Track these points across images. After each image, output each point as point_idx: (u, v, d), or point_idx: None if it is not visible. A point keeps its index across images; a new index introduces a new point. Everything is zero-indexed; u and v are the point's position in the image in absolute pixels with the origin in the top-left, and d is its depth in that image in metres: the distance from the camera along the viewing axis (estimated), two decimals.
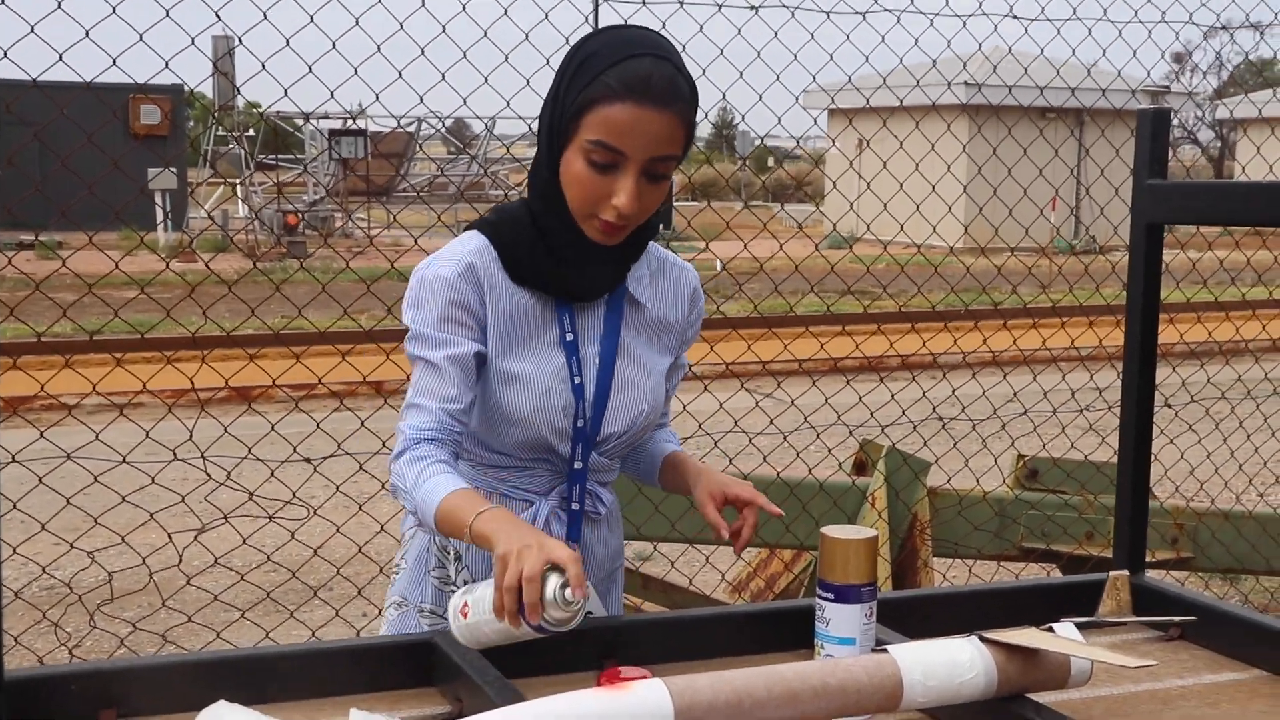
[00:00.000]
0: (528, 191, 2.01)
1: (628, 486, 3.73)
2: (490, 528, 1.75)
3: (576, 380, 1.97)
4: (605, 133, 1.84)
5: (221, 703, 1.71)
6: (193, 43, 3.28)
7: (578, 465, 2.01)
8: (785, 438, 4.58)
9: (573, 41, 1.95)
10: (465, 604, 1.80)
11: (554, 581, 1.68)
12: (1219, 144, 35.76)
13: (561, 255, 1.95)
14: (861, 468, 4.27)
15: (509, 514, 1.80)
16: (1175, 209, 2.20)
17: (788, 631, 2.02)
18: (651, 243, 2.09)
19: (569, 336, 1.98)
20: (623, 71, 1.83)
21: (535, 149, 1.99)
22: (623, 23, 1.98)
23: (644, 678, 1.62)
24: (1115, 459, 4.36)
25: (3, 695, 0.59)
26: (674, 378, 2.16)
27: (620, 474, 2.19)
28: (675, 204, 21.98)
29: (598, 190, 1.88)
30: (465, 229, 2.03)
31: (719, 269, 4.94)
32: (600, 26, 1.97)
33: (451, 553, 2.06)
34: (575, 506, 2.05)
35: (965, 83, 5.70)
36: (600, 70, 1.84)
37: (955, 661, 1.65)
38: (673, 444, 2.21)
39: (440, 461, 1.89)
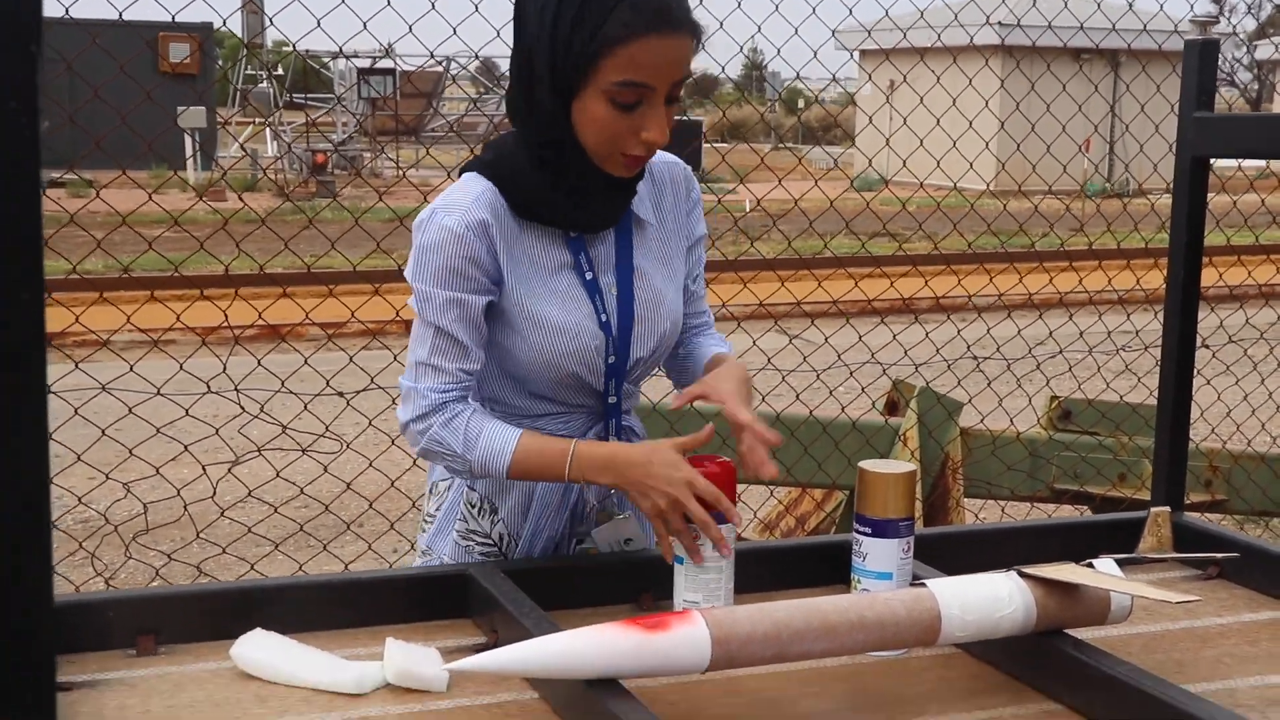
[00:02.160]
0: (517, 131, 1.90)
1: (659, 424, 3.73)
2: (599, 476, 1.82)
3: (603, 318, 1.92)
4: (633, 72, 1.75)
5: (258, 630, 1.72)
6: None
7: (612, 400, 1.98)
8: (818, 376, 4.56)
9: None
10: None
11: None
12: (1257, 86, 35.26)
13: (578, 190, 1.87)
14: (894, 407, 4.25)
15: (600, 448, 1.83)
16: (1222, 142, 2.16)
17: (823, 567, 2.02)
18: None
19: (588, 274, 1.91)
20: (636, 3, 1.74)
21: (515, 84, 1.87)
22: None
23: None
24: (1150, 400, 4.34)
25: (52, 619, 0.59)
26: (695, 270, 2.08)
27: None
28: (705, 145, 21.85)
29: (624, 128, 1.79)
30: (462, 171, 1.94)
31: (748, 209, 4.90)
32: None
33: (485, 505, 2.00)
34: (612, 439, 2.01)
35: (1000, 22, 5.62)
36: (611, 6, 1.74)
37: (994, 596, 1.64)
38: (719, 347, 2.10)
39: (479, 414, 1.87)
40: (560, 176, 1.86)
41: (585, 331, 1.90)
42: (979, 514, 4.93)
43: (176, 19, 3.36)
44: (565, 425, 1.97)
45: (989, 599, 1.63)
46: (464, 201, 1.85)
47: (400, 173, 4.28)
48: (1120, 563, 1.73)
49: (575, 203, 1.88)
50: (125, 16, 3.21)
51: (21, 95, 0.55)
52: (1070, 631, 1.68)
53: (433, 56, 4.42)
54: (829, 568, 2.02)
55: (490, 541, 2.00)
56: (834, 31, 4.41)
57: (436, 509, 2.06)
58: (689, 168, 2.07)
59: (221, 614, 1.78)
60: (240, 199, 3.59)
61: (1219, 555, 1.98)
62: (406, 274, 1.89)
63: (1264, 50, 29.44)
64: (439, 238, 1.83)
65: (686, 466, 1.76)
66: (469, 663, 1.51)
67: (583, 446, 1.83)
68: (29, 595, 0.63)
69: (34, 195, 0.56)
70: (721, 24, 3.71)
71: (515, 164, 1.87)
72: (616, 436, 2.00)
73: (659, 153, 1.97)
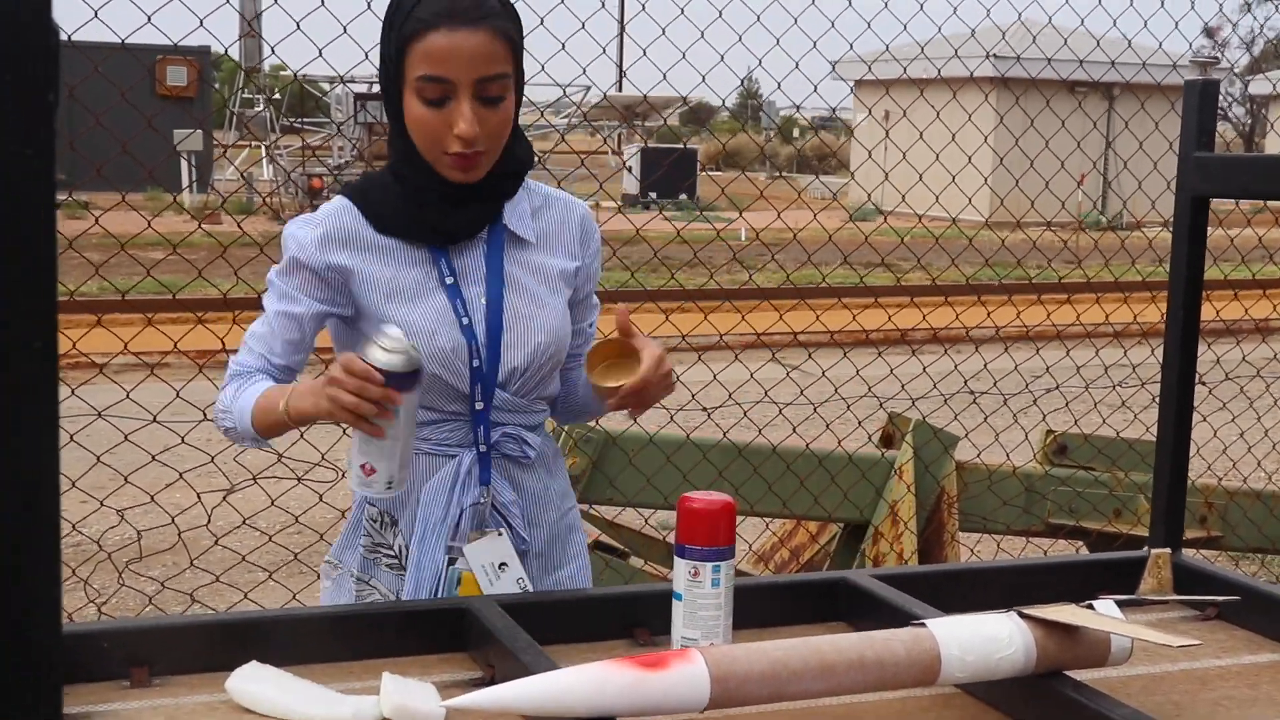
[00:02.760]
0: (389, 155, 2.06)
1: (655, 456, 3.72)
2: (302, 402, 1.87)
3: (464, 321, 1.99)
4: (428, 65, 1.87)
5: (253, 663, 1.71)
6: (227, 1, 3.26)
7: (479, 406, 2.02)
8: (815, 409, 4.56)
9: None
10: (363, 464, 1.85)
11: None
12: (1249, 120, 35.44)
13: (424, 201, 1.98)
14: (889, 440, 4.25)
15: (303, 387, 1.90)
16: (1222, 182, 2.16)
17: (821, 603, 2.01)
18: (535, 181, 2.12)
19: (449, 280, 2.00)
20: (431, 3, 1.87)
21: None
22: None
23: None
24: (1146, 436, 4.34)
25: (59, 649, 0.58)
26: (586, 316, 2.16)
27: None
28: (701, 173, 21.90)
29: (438, 126, 1.90)
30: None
31: (744, 239, 4.90)
32: None
33: (386, 518, 2.07)
34: (483, 449, 2.04)
35: (995, 55, 5.65)
36: (410, 8, 1.89)
37: (993, 637, 1.63)
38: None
39: (261, 374, 2.00)
40: (415, 190, 1.98)
41: (441, 334, 1.97)
42: (974, 548, 4.93)
43: (176, 44, 3.37)
44: (442, 433, 2.03)
45: (989, 639, 1.63)
46: (320, 216, 2.01)
47: None
48: (1120, 604, 1.73)
49: (425, 214, 1.98)
50: (113, 38, 3.22)
51: (37, 143, 0.55)
52: (1070, 673, 1.67)
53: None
54: (827, 604, 2.02)
55: (393, 553, 2.06)
56: (834, 65, 4.43)
57: (349, 521, 2.15)
58: (590, 212, 2.16)
59: (217, 646, 1.77)
60: (238, 225, 3.59)
61: (1221, 599, 1.97)
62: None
63: (1258, 85, 29.60)
64: (286, 241, 2.01)
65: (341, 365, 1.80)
66: (466, 700, 1.50)
67: (297, 389, 1.92)
68: (38, 625, 0.63)
69: (49, 243, 0.56)
70: (722, 57, 3.72)
71: (377, 182, 2.03)
72: (487, 442, 2.04)
73: (567, 195, 2.13)
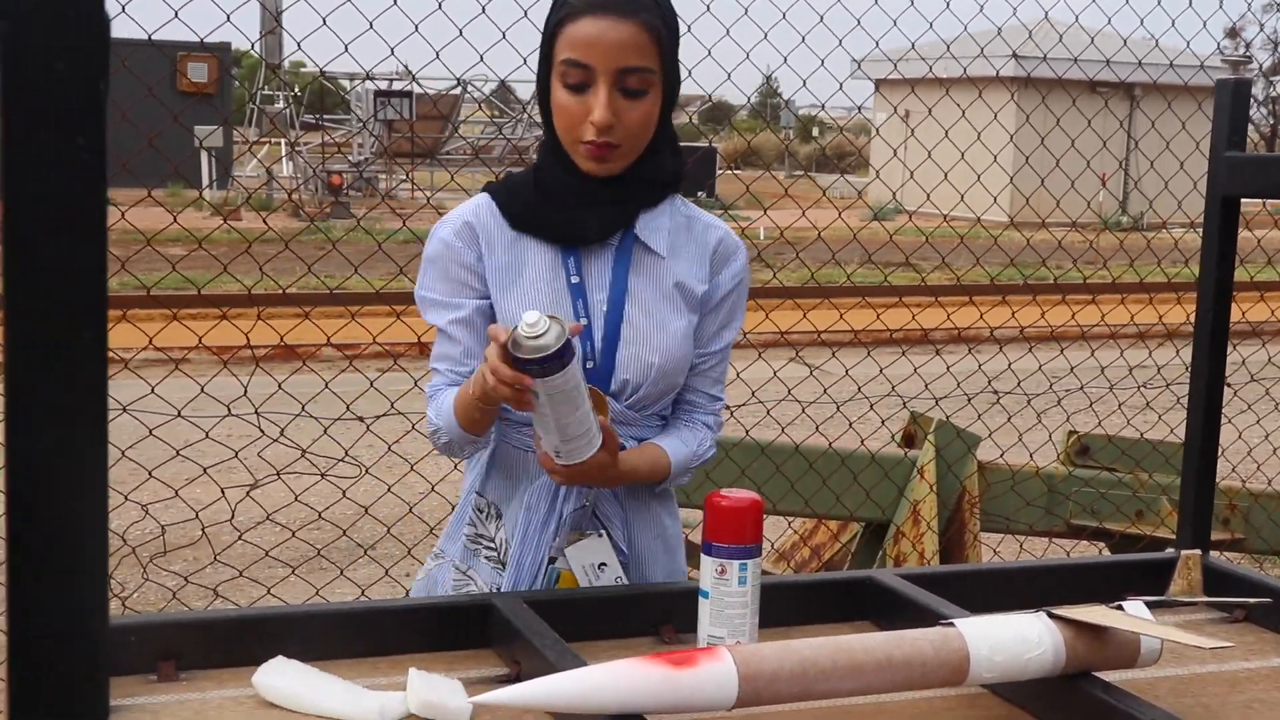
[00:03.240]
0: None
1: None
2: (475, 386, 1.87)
3: (582, 320, 1.99)
4: (571, 49, 1.90)
5: (280, 658, 1.71)
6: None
7: None
8: (839, 408, 4.55)
9: None
10: (535, 434, 1.88)
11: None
12: (1272, 121, 35.23)
13: (558, 199, 2.00)
14: (910, 440, 4.24)
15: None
16: (1253, 182, 2.15)
17: (846, 602, 2.01)
18: (684, 199, 2.11)
19: (574, 279, 2.01)
20: None
21: None
22: None
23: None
24: (1170, 438, 4.32)
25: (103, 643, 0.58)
26: (717, 340, 2.10)
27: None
28: (721, 172, 21.88)
29: (576, 112, 1.92)
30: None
31: (763, 237, 4.89)
32: None
33: (491, 510, 2.09)
34: None
35: (1019, 54, 5.63)
36: None
37: (1023, 637, 1.62)
38: (663, 444, 2.07)
39: (450, 390, 2.00)
40: (552, 187, 2.00)
41: None
42: (996, 549, 4.91)
43: (190, 38, 3.37)
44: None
45: (1018, 640, 1.62)
46: (457, 215, 2.04)
47: (416, 194, 4.28)
48: (1150, 605, 1.72)
49: (562, 212, 2.00)
50: (130, 34, 3.22)
51: (89, 132, 0.55)
52: (1099, 674, 1.66)
53: (457, 81, 4.43)
54: (853, 603, 2.01)
55: (494, 546, 2.07)
56: (859, 63, 4.41)
57: (455, 512, 2.17)
58: (740, 243, 2.13)
59: (243, 640, 1.77)
60: (264, 220, 3.60)
61: (1251, 600, 1.96)
62: (416, 287, 2.06)
63: None
64: (434, 249, 2.03)
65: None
66: (493, 696, 1.50)
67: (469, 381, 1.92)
68: (87, 620, 0.63)
69: (99, 232, 0.56)
70: (748, 54, 3.71)
71: (518, 180, 2.05)
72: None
73: (715, 219, 2.11)
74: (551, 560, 2.04)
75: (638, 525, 2.11)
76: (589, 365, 1.99)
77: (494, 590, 2.06)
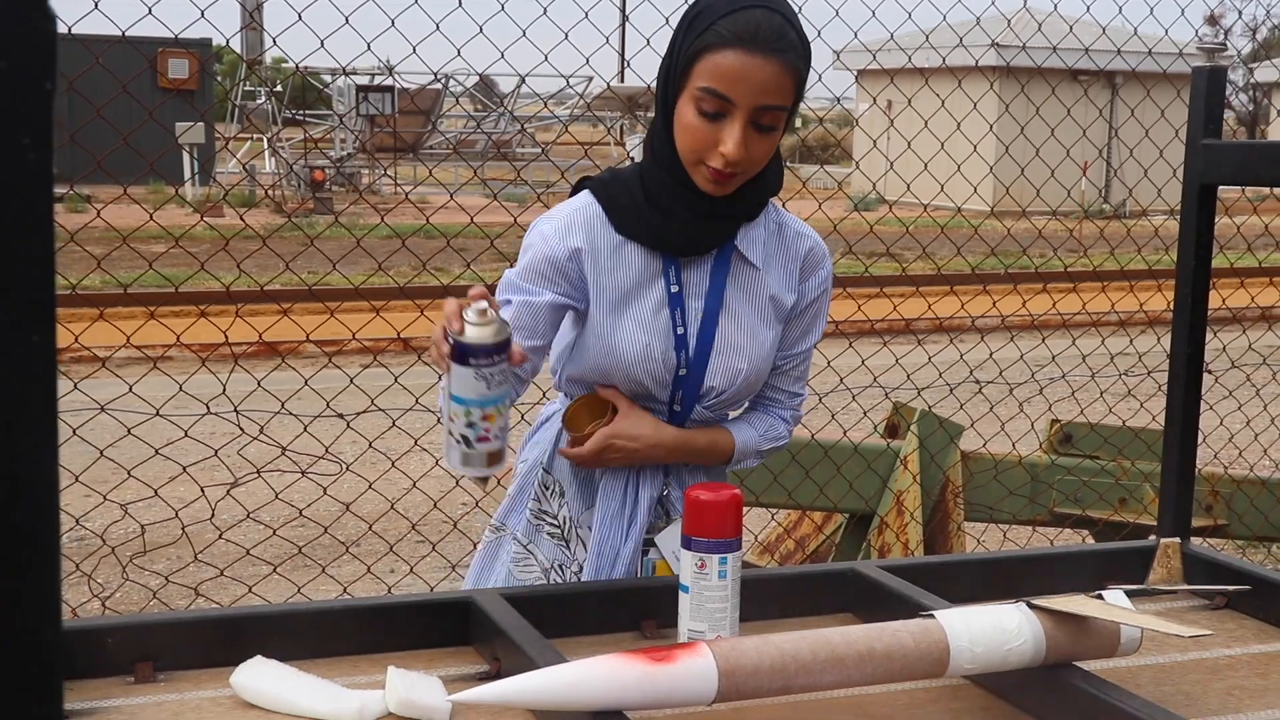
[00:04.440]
0: (644, 152, 2.08)
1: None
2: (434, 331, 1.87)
3: (680, 331, 2.04)
4: (713, 79, 1.89)
5: (258, 658, 1.70)
6: None
7: (677, 409, 2.08)
8: (821, 399, 4.54)
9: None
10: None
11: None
12: (1252, 108, 35.37)
13: (666, 209, 2.01)
14: (894, 430, 4.24)
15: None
16: (1230, 169, 2.15)
17: (826, 595, 2.01)
18: (775, 204, 2.14)
19: (674, 288, 2.04)
20: (734, 21, 1.88)
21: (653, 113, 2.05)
22: None
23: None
24: (1153, 425, 4.33)
25: (59, 645, 0.57)
26: (800, 342, 2.15)
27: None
28: None
29: (706, 138, 1.92)
30: (575, 185, 2.13)
31: None
32: None
33: (556, 487, 2.14)
34: None
35: (999, 44, 5.62)
36: (713, 20, 1.90)
37: (1003, 628, 1.62)
38: (729, 426, 2.16)
39: None
40: (660, 196, 2.00)
41: (654, 344, 2.03)
42: (980, 538, 4.92)
43: (168, 34, 3.35)
44: None
45: (998, 631, 1.62)
46: (564, 213, 2.05)
47: (398, 191, 4.26)
48: (1129, 594, 1.72)
49: (669, 223, 2.01)
50: (116, 30, 3.20)
51: (34, 132, 0.54)
52: (1079, 664, 1.66)
53: (435, 76, 4.42)
54: (835, 595, 2.01)
55: (557, 524, 2.14)
56: (838, 54, 4.41)
57: (514, 487, 2.21)
58: (826, 250, 2.17)
59: (221, 641, 1.76)
60: (240, 217, 3.58)
61: (1231, 588, 1.96)
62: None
63: (1262, 73, 29.53)
64: (534, 238, 2.05)
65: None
66: (473, 694, 1.49)
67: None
68: (38, 624, 0.62)
69: (46, 233, 0.55)
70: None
71: (624, 183, 2.05)
72: None
73: (803, 225, 2.15)
74: (645, 552, 2.10)
75: None
76: (681, 373, 2.05)
77: (554, 567, 2.14)
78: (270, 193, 17.44)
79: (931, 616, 1.63)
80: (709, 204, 2.01)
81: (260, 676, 1.67)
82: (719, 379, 2.07)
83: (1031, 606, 1.65)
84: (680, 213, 2.01)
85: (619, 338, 2.03)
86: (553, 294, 2.02)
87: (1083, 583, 2.01)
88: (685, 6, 2.00)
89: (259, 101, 23.34)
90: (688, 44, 1.93)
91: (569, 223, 2.04)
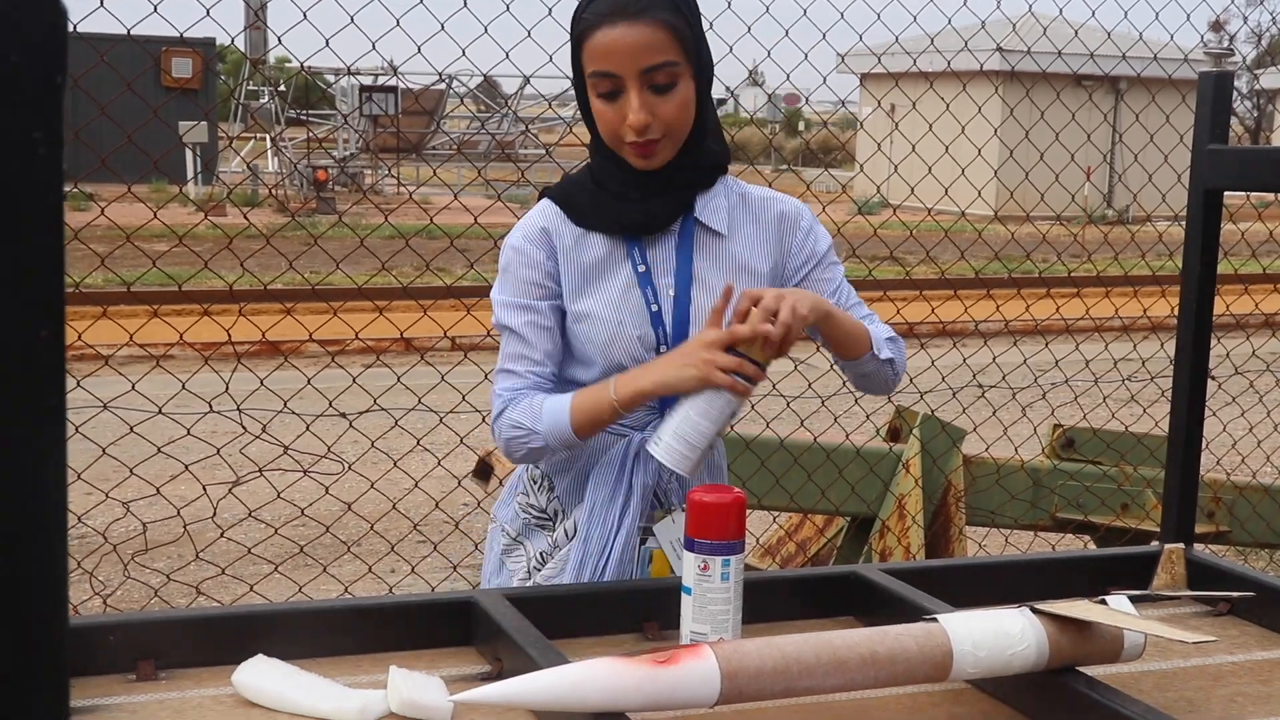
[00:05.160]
0: (590, 152, 2.14)
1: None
2: (632, 386, 1.94)
3: (654, 308, 2.06)
4: (596, 61, 1.96)
5: (260, 656, 1.70)
6: None
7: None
8: (823, 402, 4.55)
9: None
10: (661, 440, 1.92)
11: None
12: (1255, 115, 35.34)
13: (619, 194, 2.06)
14: (896, 434, 4.24)
15: (632, 371, 1.98)
16: (1236, 175, 2.14)
17: (831, 598, 2.00)
18: (736, 179, 2.17)
19: (641, 268, 2.06)
20: (597, 3, 1.96)
21: None
22: None
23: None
24: (1155, 431, 4.32)
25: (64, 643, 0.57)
26: (832, 294, 2.12)
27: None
28: None
29: (614, 118, 1.98)
30: (538, 196, 2.17)
31: None
32: None
33: (544, 481, 2.15)
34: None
35: (1004, 48, 5.62)
36: (584, 8, 1.98)
37: (1006, 632, 1.62)
38: (869, 323, 2.13)
39: (545, 395, 2.04)
40: (609, 184, 2.06)
41: (627, 322, 2.05)
42: (981, 543, 4.91)
43: (174, 34, 3.35)
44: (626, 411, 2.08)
45: (1001, 635, 1.61)
46: (526, 221, 2.10)
47: (401, 191, 4.26)
48: (1133, 599, 1.71)
49: (622, 205, 2.05)
50: (121, 30, 3.20)
51: (45, 126, 0.54)
52: (1082, 669, 1.66)
53: (440, 76, 4.42)
54: (837, 598, 2.00)
55: (545, 516, 2.15)
56: (843, 57, 4.41)
57: (505, 485, 2.26)
58: (795, 206, 2.17)
59: (223, 639, 1.76)
60: (244, 215, 3.58)
61: (1235, 594, 1.96)
62: (492, 292, 2.11)
63: (1268, 80, 29.51)
64: (508, 255, 2.08)
65: (702, 339, 1.89)
66: (475, 694, 1.49)
67: (619, 380, 1.98)
68: (45, 623, 0.62)
69: (56, 228, 0.54)
70: (731, 48, 3.70)
71: (576, 182, 2.11)
72: None
73: (770, 192, 2.17)
74: (643, 541, 2.10)
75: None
76: (661, 349, 2.05)
77: (538, 555, 2.15)
78: (274, 192, 17.44)
79: (934, 620, 1.63)
80: (658, 179, 2.05)
81: (262, 675, 1.66)
82: None
83: (1035, 611, 1.65)
84: (632, 193, 2.06)
85: (591, 321, 2.05)
86: (549, 300, 2.06)
87: (1086, 588, 2.01)
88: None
89: (263, 101, 23.35)
90: (572, 39, 2.01)
91: (532, 228, 2.08)
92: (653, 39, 1.95)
